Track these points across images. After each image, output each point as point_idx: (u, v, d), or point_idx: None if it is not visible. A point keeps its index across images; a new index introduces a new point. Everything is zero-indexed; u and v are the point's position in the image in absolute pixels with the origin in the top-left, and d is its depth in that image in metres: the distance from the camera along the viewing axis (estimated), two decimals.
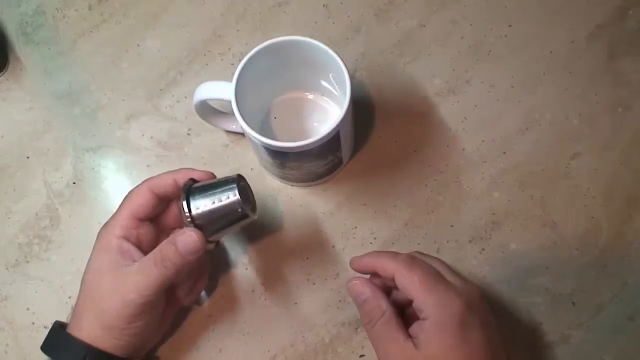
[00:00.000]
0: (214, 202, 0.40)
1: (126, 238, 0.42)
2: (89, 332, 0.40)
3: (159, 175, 0.43)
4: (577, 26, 0.55)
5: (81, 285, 0.42)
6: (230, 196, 0.40)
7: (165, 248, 0.40)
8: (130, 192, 0.43)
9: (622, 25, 0.54)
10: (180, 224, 0.45)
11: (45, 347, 0.42)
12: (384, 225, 0.50)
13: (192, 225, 0.40)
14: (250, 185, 0.52)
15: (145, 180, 0.43)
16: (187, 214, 0.40)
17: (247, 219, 0.41)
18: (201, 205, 0.40)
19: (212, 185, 0.41)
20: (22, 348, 0.48)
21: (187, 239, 0.40)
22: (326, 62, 0.45)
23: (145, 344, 0.44)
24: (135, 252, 0.41)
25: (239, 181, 0.41)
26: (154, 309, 0.41)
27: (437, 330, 0.36)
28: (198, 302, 0.49)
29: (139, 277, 0.40)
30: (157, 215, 0.44)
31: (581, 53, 0.54)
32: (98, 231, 0.43)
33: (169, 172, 0.43)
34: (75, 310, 0.42)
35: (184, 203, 0.40)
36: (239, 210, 0.40)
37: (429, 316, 0.37)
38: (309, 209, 0.51)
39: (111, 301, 0.40)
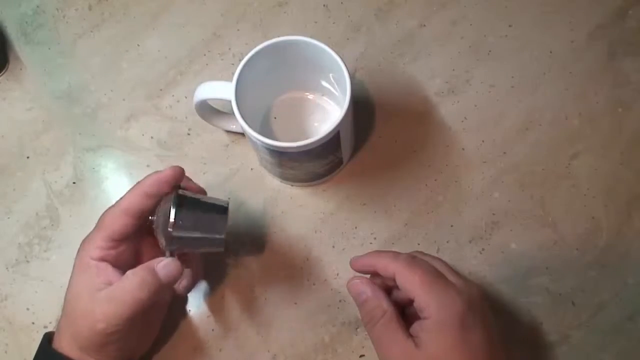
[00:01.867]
0: (199, 232, 0.40)
1: (103, 259, 0.41)
2: (69, 351, 0.40)
3: (129, 192, 0.41)
4: (577, 26, 0.55)
5: (64, 302, 0.42)
6: (217, 236, 0.41)
7: (142, 274, 0.39)
8: (105, 214, 0.42)
9: (622, 25, 0.54)
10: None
11: None
12: (384, 225, 0.50)
13: (168, 240, 0.39)
14: (251, 185, 0.52)
15: (119, 201, 0.41)
16: (170, 229, 0.39)
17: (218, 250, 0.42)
18: (185, 230, 0.40)
19: (202, 207, 0.41)
20: (22, 348, 0.48)
21: (168, 266, 0.39)
22: (326, 62, 0.45)
23: (132, 355, 0.44)
24: (112, 272, 0.40)
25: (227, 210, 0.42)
26: (129, 333, 0.40)
27: (438, 329, 0.36)
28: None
29: (108, 307, 0.38)
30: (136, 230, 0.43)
31: (581, 53, 0.54)
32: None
33: (137, 185, 0.42)
34: (58, 325, 0.42)
35: (172, 215, 0.39)
36: (219, 248, 0.41)
37: (430, 316, 0.37)
38: (309, 209, 0.51)
39: (83, 325, 0.39)
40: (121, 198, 0.42)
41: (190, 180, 0.45)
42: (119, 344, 0.40)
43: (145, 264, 0.40)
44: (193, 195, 0.42)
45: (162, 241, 0.40)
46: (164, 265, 0.39)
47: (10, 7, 0.59)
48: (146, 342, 0.45)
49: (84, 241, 0.42)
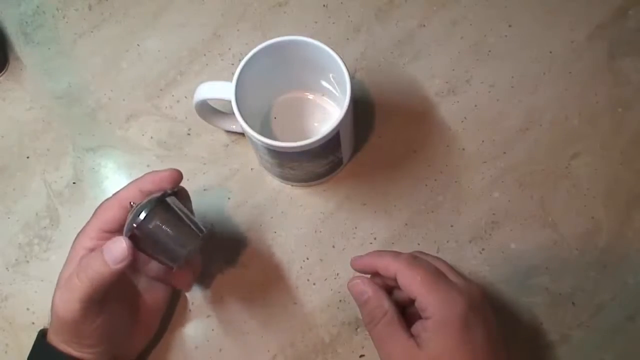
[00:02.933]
0: (167, 233, 0.39)
1: (93, 249, 0.40)
2: (57, 343, 0.41)
3: (126, 186, 0.42)
4: (577, 26, 0.55)
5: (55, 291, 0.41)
6: (178, 249, 0.39)
7: (89, 257, 0.39)
8: (101, 205, 0.42)
9: (622, 25, 0.54)
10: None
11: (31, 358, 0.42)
12: (384, 225, 0.50)
13: (130, 229, 0.38)
14: (251, 185, 0.52)
15: (115, 193, 0.42)
16: (134, 220, 0.38)
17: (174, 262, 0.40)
18: (156, 224, 0.38)
19: (178, 216, 0.40)
20: (22, 348, 0.48)
21: (115, 246, 0.38)
22: (326, 62, 0.45)
23: (127, 352, 0.44)
24: None
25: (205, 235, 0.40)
26: (98, 320, 0.40)
27: (440, 329, 0.36)
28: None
29: (64, 292, 0.39)
30: None
31: (581, 53, 0.54)
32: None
33: (134, 181, 0.42)
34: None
35: (145, 207, 0.38)
36: (181, 257, 0.40)
37: (431, 315, 0.37)
38: (309, 209, 0.51)
39: (54, 316, 0.39)
40: (118, 190, 0.42)
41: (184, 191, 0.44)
42: (93, 335, 0.40)
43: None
44: (178, 204, 0.41)
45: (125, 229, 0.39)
46: (108, 245, 0.38)
47: (10, 7, 0.59)
48: (141, 340, 0.45)
49: (78, 234, 0.42)
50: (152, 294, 0.45)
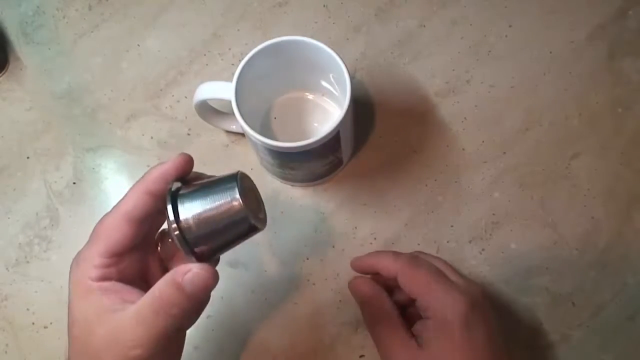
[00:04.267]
0: (206, 209, 0.31)
1: (106, 279, 0.33)
2: None
3: (130, 192, 0.34)
4: (577, 26, 0.55)
5: (69, 339, 0.33)
6: (230, 199, 0.31)
7: (167, 291, 0.31)
8: (100, 223, 0.34)
9: (622, 25, 0.54)
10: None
11: None
12: (384, 225, 0.50)
13: (182, 241, 0.32)
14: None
15: (118, 205, 0.34)
16: (175, 228, 0.31)
17: (255, 231, 0.33)
18: (190, 214, 0.32)
19: (206, 186, 0.32)
20: (22, 348, 0.48)
21: (195, 278, 0.31)
22: (326, 62, 0.45)
23: None
24: (122, 289, 0.33)
25: (242, 179, 0.33)
26: (165, 354, 0.33)
27: (441, 329, 0.36)
28: None
29: (140, 330, 0.31)
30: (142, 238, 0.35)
31: (581, 53, 0.54)
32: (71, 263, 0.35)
33: (139, 182, 0.34)
34: None
35: (170, 213, 0.32)
36: (243, 217, 0.32)
37: (432, 315, 0.37)
38: (309, 209, 0.51)
39: (110, 357, 0.31)
40: (120, 201, 0.34)
41: (202, 174, 0.37)
42: None
43: (170, 274, 0.32)
44: (195, 183, 0.34)
45: (181, 249, 0.33)
46: (191, 279, 0.31)
47: (10, 7, 0.59)
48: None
49: (76, 259, 0.34)
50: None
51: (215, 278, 0.32)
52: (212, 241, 0.32)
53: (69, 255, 0.48)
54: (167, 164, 0.34)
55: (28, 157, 0.54)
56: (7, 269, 0.51)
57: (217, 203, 0.32)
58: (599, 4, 0.55)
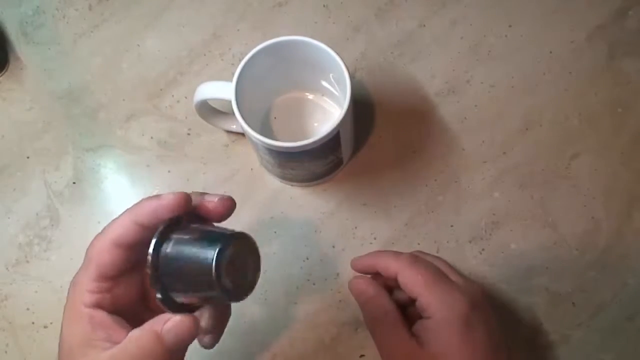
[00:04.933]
0: (183, 265, 0.30)
1: (98, 305, 0.32)
2: None
3: (120, 218, 0.33)
4: (577, 26, 0.55)
5: (58, 353, 0.33)
6: (205, 266, 0.29)
7: (144, 340, 0.30)
8: (92, 245, 0.33)
9: (622, 25, 0.54)
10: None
11: None
12: (384, 225, 0.50)
13: (157, 291, 0.30)
14: (251, 185, 0.52)
15: (107, 228, 0.33)
16: (153, 282, 0.30)
17: (227, 302, 0.31)
18: (169, 267, 0.30)
19: (193, 240, 0.31)
20: (22, 348, 0.48)
21: (174, 328, 0.30)
22: (326, 62, 0.45)
23: None
24: (112, 326, 0.32)
25: (235, 243, 0.30)
26: None
27: (441, 329, 0.36)
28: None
29: None
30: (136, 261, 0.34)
31: (581, 53, 0.54)
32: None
33: (130, 211, 0.32)
34: None
35: (149, 261, 0.30)
36: (214, 288, 0.29)
37: (432, 315, 0.37)
38: (309, 209, 0.51)
39: None
40: (110, 224, 0.33)
41: (208, 195, 0.34)
42: None
43: (149, 323, 0.31)
44: (190, 227, 0.32)
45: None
46: (170, 329, 0.30)
47: (10, 7, 0.59)
48: None
49: (73, 281, 0.33)
50: None
51: (196, 327, 0.30)
52: (188, 297, 0.31)
53: (69, 255, 0.49)
54: (161, 200, 0.32)
55: (28, 157, 0.54)
56: (7, 269, 0.51)
57: (193, 263, 0.30)
58: (599, 4, 0.55)
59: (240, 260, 0.31)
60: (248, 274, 0.31)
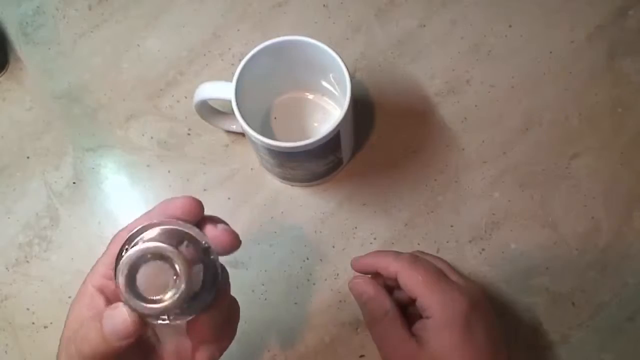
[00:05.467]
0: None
1: (101, 290, 0.33)
2: None
3: (139, 218, 0.33)
4: (577, 26, 0.55)
5: (60, 340, 0.33)
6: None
7: (86, 327, 0.30)
8: (113, 237, 0.34)
9: (622, 25, 0.54)
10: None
11: None
12: (384, 225, 0.50)
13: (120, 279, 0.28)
14: (251, 185, 0.52)
15: (130, 224, 0.34)
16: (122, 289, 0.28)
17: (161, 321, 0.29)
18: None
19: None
20: (22, 348, 0.48)
21: (116, 316, 0.29)
22: (326, 62, 0.45)
23: None
24: (102, 308, 0.31)
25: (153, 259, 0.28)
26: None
27: (441, 329, 0.36)
28: None
29: (81, 344, 0.30)
30: None
31: (581, 53, 0.54)
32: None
33: (149, 212, 0.33)
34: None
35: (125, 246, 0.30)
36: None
37: (433, 315, 0.37)
38: (309, 209, 0.51)
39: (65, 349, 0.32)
40: (132, 222, 0.34)
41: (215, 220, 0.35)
42: None
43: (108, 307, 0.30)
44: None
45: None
46: (108, 315, 0.29)
47: (10, 7, 0.59)
48: None
49: (93, 266, 0.35)
50: (174, 344, 0.35)
51: (129, 328, 0.29)
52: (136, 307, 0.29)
53: (69, 255, 0.49)
54: (174, 201, 0.32)
55: (28, 157, 0.54)
56: (7, 269, 0.51)
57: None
58: (599, 4, 0.55)
59: (158, 278, 0.28)
60: (167, 292, 0.28)
